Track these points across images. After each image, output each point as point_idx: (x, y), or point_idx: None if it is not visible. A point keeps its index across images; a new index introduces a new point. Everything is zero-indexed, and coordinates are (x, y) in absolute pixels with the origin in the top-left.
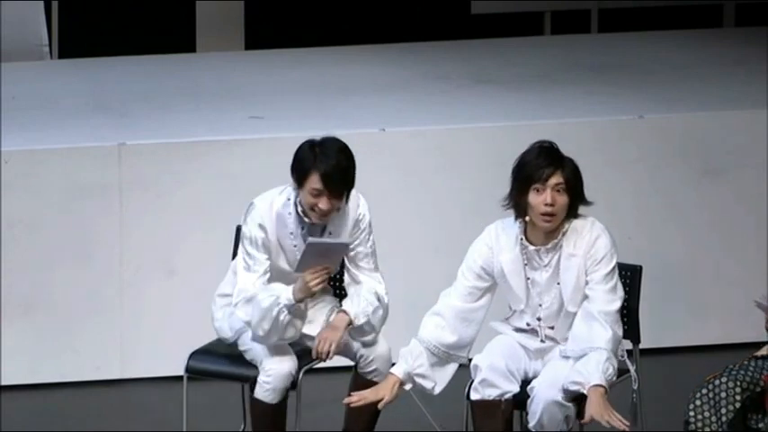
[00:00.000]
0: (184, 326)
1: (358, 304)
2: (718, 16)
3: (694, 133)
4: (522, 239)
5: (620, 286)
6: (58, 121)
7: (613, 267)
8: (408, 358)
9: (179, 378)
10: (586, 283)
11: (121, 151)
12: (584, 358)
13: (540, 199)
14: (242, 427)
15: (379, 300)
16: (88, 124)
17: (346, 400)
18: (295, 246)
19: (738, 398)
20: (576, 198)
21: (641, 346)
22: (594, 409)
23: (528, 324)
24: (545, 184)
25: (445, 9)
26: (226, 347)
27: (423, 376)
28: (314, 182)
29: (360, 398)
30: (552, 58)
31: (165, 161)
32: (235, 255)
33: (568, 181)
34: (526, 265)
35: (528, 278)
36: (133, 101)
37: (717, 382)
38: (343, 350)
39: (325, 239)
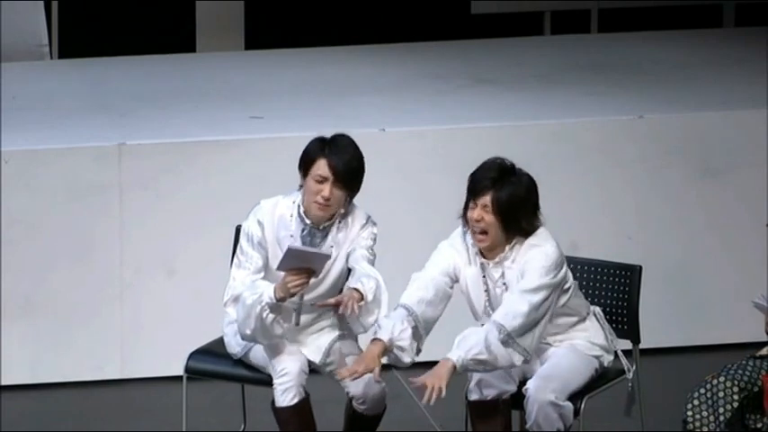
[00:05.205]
0: (184, 326)
1: (362, 285)
2: (718, 16)
3: (694, 133)
4: (477, 252)
5: (541, 308)
6: (58, 121)
7: (543, 285)
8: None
9: (179, 378)
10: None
11: (121, 151)
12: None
13: (470, 214)
14: (242, 427)
15: (375, 278)
16: (88, 124)
17: (339, 377)
18: None
19: (736, 397)
20: (508, 221)
21: (641, 346)
22: (429, 376)
23: None
24: (476, 202)
25: (445, 9)
26: (226, 348)
27: (402, 349)
28: (320, 167)
29: (351, 373)
30: (552, 58)
31: (165, 161)
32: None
33: (496, 204)
34: (484, 277)
35: (486, 290)
36: (133, 101)
37: (715, 381)
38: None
39: (306, 248)
